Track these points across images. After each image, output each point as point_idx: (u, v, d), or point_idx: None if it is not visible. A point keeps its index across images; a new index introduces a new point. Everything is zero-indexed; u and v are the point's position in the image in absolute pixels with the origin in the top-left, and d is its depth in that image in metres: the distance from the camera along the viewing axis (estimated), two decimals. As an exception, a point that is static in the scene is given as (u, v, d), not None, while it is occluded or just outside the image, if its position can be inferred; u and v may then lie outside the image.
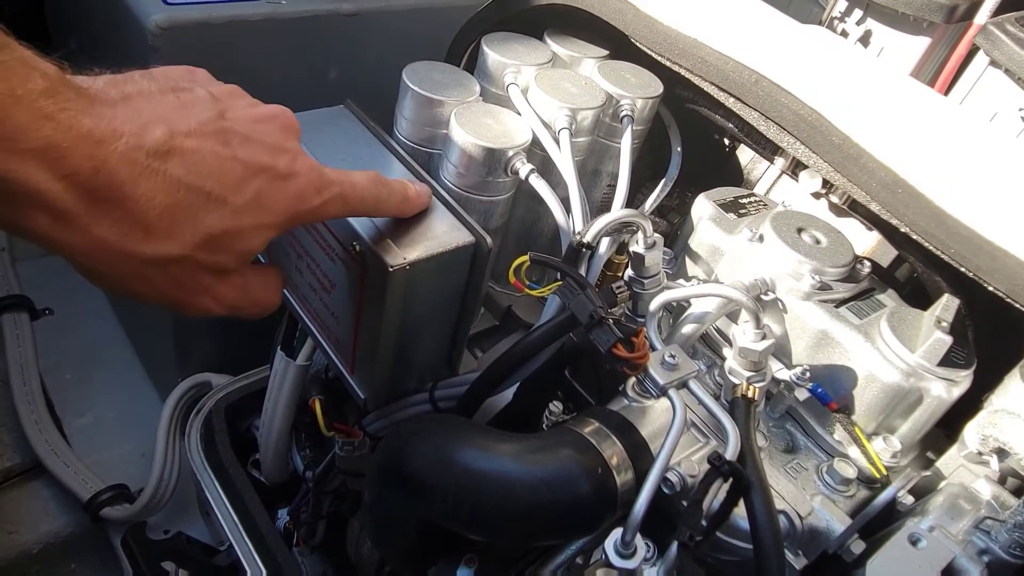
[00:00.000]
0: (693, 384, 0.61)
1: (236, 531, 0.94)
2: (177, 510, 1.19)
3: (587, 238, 0.65)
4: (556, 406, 0.71)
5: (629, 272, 0.72)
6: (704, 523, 0.56)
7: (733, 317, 0.73)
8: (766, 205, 0.80)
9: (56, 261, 1.58)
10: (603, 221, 0.65)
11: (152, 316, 1.30)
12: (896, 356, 0.65)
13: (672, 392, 0.60)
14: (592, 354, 0.75)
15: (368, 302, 0.67)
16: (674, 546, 0.54)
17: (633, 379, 0.70)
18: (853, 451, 0.68)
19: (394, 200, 0.61)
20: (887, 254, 0.79)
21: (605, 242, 0.68)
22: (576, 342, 0.74)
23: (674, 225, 0.87)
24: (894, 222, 0.67)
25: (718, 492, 0.57)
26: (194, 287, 0.48)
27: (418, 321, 0.69)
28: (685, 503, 0.63)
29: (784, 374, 0.68)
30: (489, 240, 0.67)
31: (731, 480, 0.56)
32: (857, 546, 0.62)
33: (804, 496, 0.65)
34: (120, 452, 1.25)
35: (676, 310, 0.76)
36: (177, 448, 1.18)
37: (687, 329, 0.68)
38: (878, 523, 0.65)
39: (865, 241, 0.79)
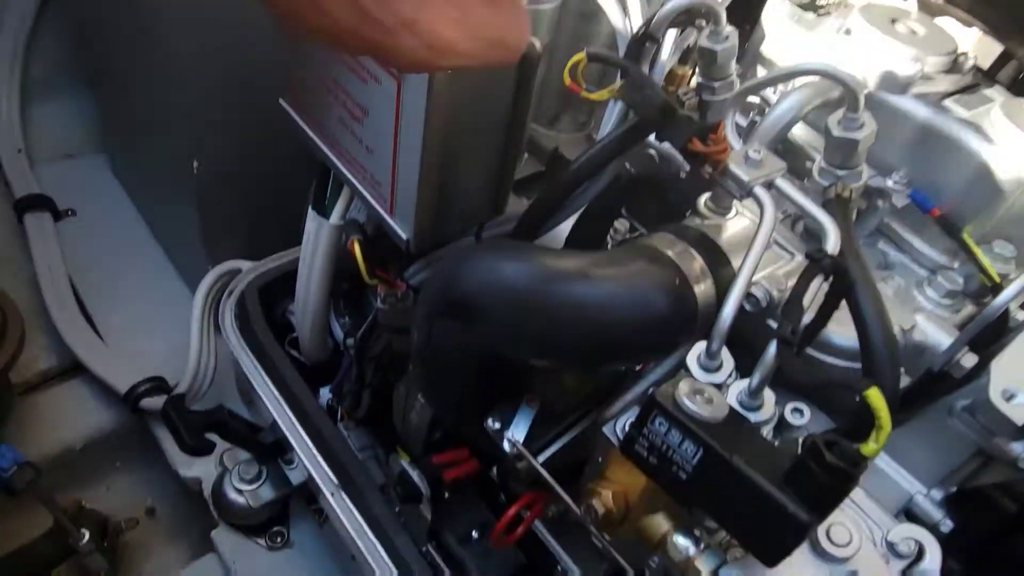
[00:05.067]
0: (781, 182, 0.53)
1: (279, 406, 0.90)
2: (216, 401, 1.16)
3: (650, 28, 0.57)
4: (622, 224, 0.64)
5: (697, 78, 0.63)
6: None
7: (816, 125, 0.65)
8: (847, 5, 0.70)
9: (75, 163, 1.51)
10: (668, 7, 0.57)
11: (176, 209, 1.25)
12: (1015, 145, 0.56)
13: (759, 190, 0.53)
14: (656, 181, 0.68)
15: (406, 120, 0.60)
16: (772, 346, 0.47)
17: (706, 197, 0.63)
18: (959, 263, 0.60)
19: None
20: (990, 53, 0.69)
21: (671, 35, 0.59)
22: (633, 173, 0.66)
23: (744, 32, 0.77)
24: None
25: (818, 291, 0.50)
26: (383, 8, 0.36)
27: (461, 148, 0.62)
28: (771, 321, 0.57)
29: (878, 181, 0.60)
30: (537, 43, 0.59)
31: (832, 277, 0.49)
32: (968, 360, 0.55)
33: (905, 310, 0.58)
34: (155, 347, 1.21)
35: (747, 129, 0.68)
36: (212, 337, 1.14)
37: (769, 122, 0.60)
38: (989, 337, 0.58)
39: (963, 42, 0.69)
